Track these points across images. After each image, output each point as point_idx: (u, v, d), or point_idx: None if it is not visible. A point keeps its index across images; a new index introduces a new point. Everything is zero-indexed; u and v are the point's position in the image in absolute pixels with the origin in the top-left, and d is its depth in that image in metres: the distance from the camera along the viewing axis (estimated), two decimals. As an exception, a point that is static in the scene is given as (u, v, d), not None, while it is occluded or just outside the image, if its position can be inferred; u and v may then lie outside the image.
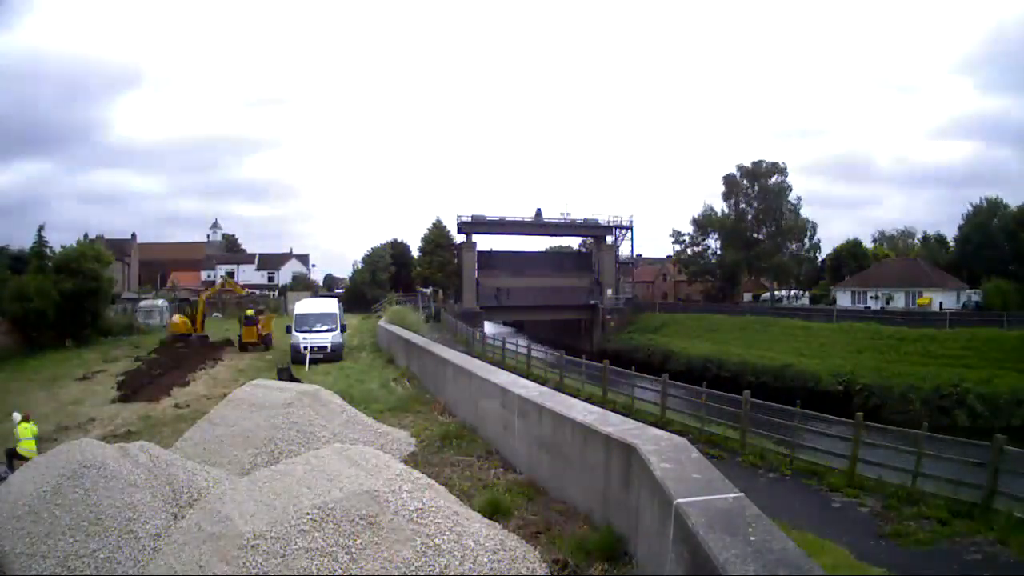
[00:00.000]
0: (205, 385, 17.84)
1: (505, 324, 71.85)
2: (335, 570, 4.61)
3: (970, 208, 57.84)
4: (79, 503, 5.59)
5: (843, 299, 54.23)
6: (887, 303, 50.09)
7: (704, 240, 65.27)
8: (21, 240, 46.87)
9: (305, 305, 27.17)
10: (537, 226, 63.80)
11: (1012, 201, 56.05)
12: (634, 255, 69.84)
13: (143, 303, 39.66)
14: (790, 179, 61.22)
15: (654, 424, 8.21)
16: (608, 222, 64.08)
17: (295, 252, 76.69)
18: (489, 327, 56.24)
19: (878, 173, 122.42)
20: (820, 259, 64.48)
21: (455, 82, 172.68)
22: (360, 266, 63.00)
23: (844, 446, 11.59)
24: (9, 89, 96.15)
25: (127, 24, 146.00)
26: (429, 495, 5.46)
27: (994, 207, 56.46)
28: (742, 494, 3.80)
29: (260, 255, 75.34)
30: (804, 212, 61.05)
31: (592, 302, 60.62)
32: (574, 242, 78.09)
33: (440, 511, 5.23)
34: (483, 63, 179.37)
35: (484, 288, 58.99)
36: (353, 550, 4.75)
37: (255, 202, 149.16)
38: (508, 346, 29.92)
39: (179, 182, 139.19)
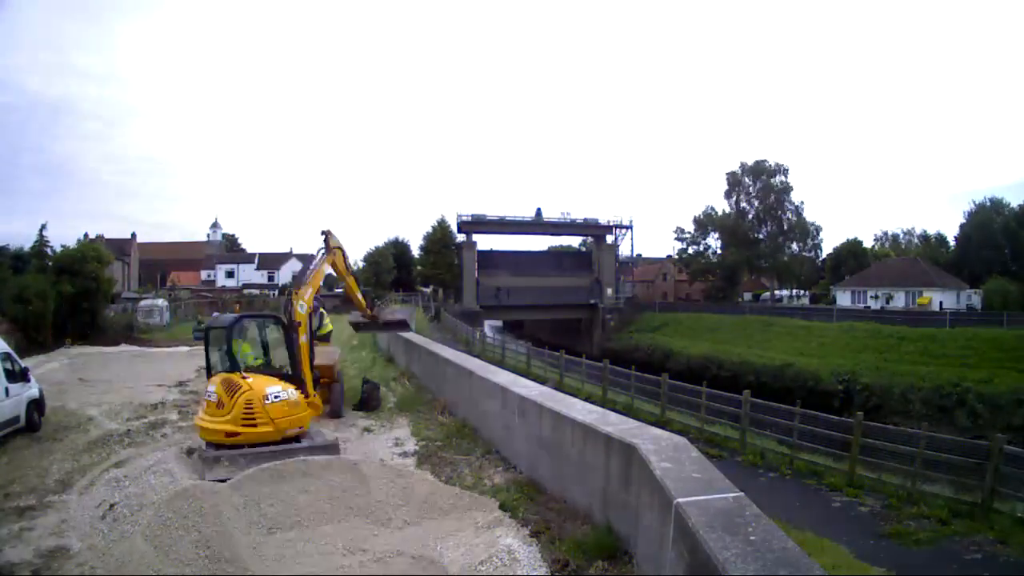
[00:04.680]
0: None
1: (504, 325, 71.60)
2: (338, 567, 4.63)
3: (972, 207, 57.93)
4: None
5: (843, 299, 54.22)
6: (887, 302, 50.07)
7: (705, 239, 65.34)
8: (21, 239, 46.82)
9: None
10: (537, 226, 63.82)
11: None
12: (634, 255, 69.91)
13: (143, 303, 39.65)
14: (792, 180, 61.45)
15: (654, 423, 8.20)
16: (608, 222, 64.12)
17: (295, 252, 76.61)
18: (488, 327, 56.21)
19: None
20: (820, 258, 64.54)
21: (456, 82, 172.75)
22: (361, 265, 62.96)
23: (844, 446, 11.58)
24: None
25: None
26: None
27: (996, 206, 56.47)
28: (742, 494, 3.80)
29: (260, 254, 75.27)
30: (806, 213, 61.22)
31: (592, 301, 60.63)
32: (574, 242, 78.20)
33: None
34: (484, 63, 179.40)
35: (484, 287, 58.99)
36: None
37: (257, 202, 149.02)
38: (508, 346, 29.95)
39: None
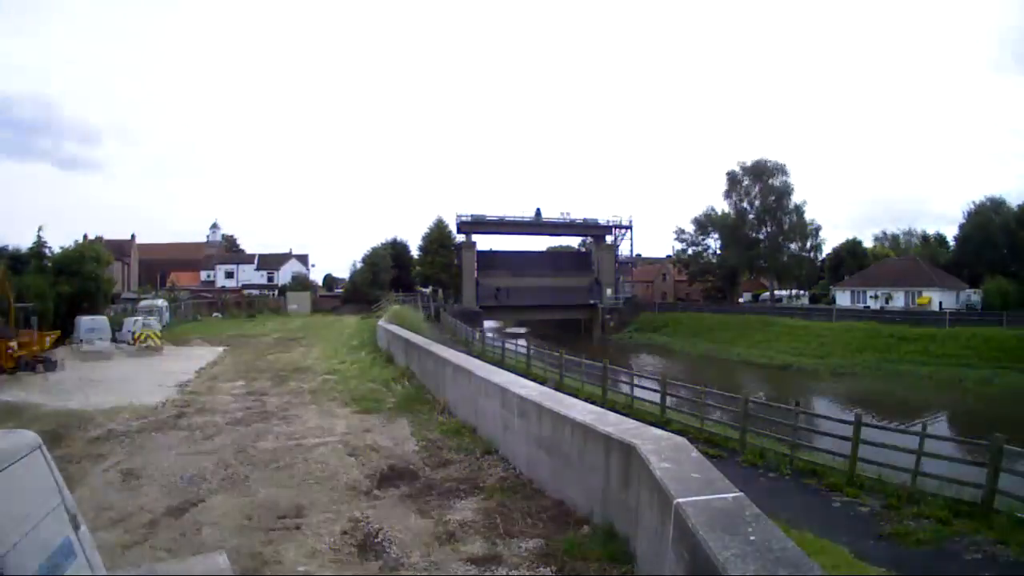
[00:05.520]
0: (204, 383, 17.82)
1: (520, 324, 70.43)
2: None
3: (972, 207, 57.82)
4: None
5: (842, 299, 54.30)
6: (887, 302, 50.14)
7: (705, 240, 65.38)
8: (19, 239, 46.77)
9: None
10: (537, 226, 63.89)
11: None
12: (633, 255, 69.93)
13: (143, 303, 39.68)
14: (793, 179, 61.36)
15: (654, 423, 8.19)
16: (608, 222, 64.19)
17: (295, 252, 76.60)
18: (488, 328, 56.15)
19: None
20: (820, 259, 64.56)
21: (456, 82, 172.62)
22: (360, 266, 62.96)
23: (844, 445, 11.58)
24: None
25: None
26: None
27: (995, 207, 56.38)
28: (742, 494, 3.79)
29: (260, 255, 75.23)
30: (807, 213, 61.20)
31: (592, 302, 60.67)
32: (574, 242, 78.24)
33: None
34: (484, 63, 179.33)
35: (484, 288, 59.05)
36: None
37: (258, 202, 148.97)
38: (508, 345, 29.96)
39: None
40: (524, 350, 28.59)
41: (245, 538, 6.02)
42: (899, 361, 35.18)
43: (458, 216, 60.01)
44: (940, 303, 47.99)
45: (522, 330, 64.53)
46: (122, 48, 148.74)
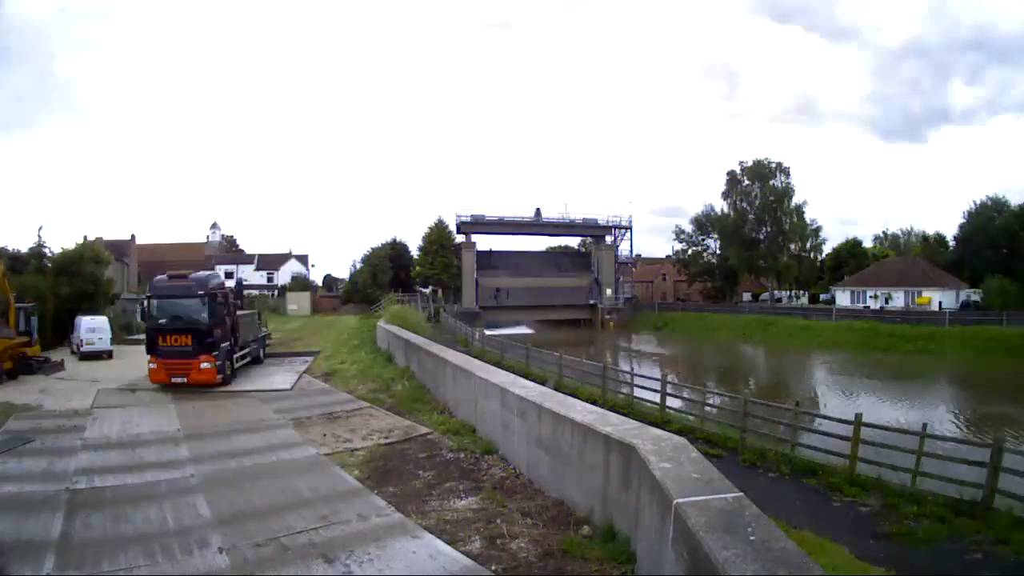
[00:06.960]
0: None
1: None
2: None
3: (973, 206, 57.74)
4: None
5: (842, 298, 54.34)
6: (886, 302, 50.17)
7: (704, 240, 65.37)
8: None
9: None
10: (536, 226, 63.83)
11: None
12: (633, 255, 69.91)
13: (143, 303, 39.60)
14: (793, 179, 61.35)
15: (653, 423, 8.20)
16: (607, 222, 64.15)
17: (295, 252, 76.62)
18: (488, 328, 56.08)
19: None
20: (820, 258, 64.57)
21: (455, 82, 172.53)
22: (360, 266, 62.90)
23: (844, 445, 11.58)
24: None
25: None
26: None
27: (996, 206, 56.31)
28: (742, 494, 3.79)
29: (259, 255, 75.23)
30: (808, 213, 61.26)
31: (592, 302, 60.69)
32: (573, 242, 78.19)
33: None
34: (482, 63, 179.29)
35: (484, 288, 59.06)
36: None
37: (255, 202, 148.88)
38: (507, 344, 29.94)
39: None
40: (522, 348, 28.55)
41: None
42: (899, 360, 35.43)
43: (458, 216, 60.02)
44: (940, 303, 48.00)
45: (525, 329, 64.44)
46: (122, 46, 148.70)
